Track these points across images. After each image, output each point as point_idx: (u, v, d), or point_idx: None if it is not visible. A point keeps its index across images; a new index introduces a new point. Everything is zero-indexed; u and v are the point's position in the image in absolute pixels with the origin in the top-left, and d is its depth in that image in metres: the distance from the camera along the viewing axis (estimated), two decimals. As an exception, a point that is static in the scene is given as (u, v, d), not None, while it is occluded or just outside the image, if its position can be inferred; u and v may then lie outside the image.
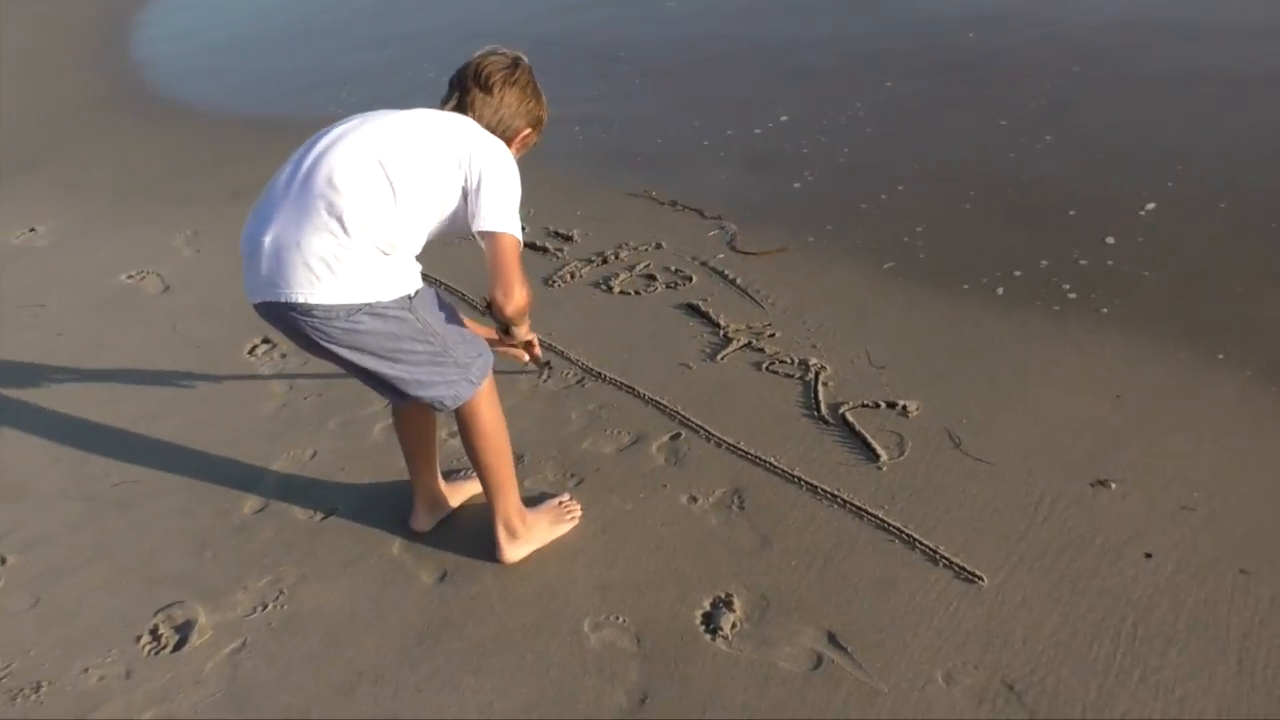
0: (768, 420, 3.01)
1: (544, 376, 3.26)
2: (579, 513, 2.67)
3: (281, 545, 2.72)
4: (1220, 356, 3.09)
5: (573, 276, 4.02)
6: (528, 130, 2.47)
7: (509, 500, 2.51)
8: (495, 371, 2.44)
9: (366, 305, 2.16)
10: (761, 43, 6.90)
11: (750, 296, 3.72)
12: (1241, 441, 2.73)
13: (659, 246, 4.18)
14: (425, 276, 2.32)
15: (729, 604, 2.35)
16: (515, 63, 2.42)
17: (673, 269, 3.97)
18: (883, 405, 3.00)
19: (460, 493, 2.76)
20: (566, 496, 2.72)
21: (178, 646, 2.42)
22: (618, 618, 2.35)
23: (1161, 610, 2.22)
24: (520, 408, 3.14)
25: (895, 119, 5.33)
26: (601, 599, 2.41)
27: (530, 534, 2.56)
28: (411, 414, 2.54)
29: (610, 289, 3.89)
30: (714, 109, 5.79)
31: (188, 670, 2.35)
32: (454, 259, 4.19)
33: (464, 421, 2.40)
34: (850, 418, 2.95)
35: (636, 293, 3.85)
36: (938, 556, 2.42)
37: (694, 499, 2.71)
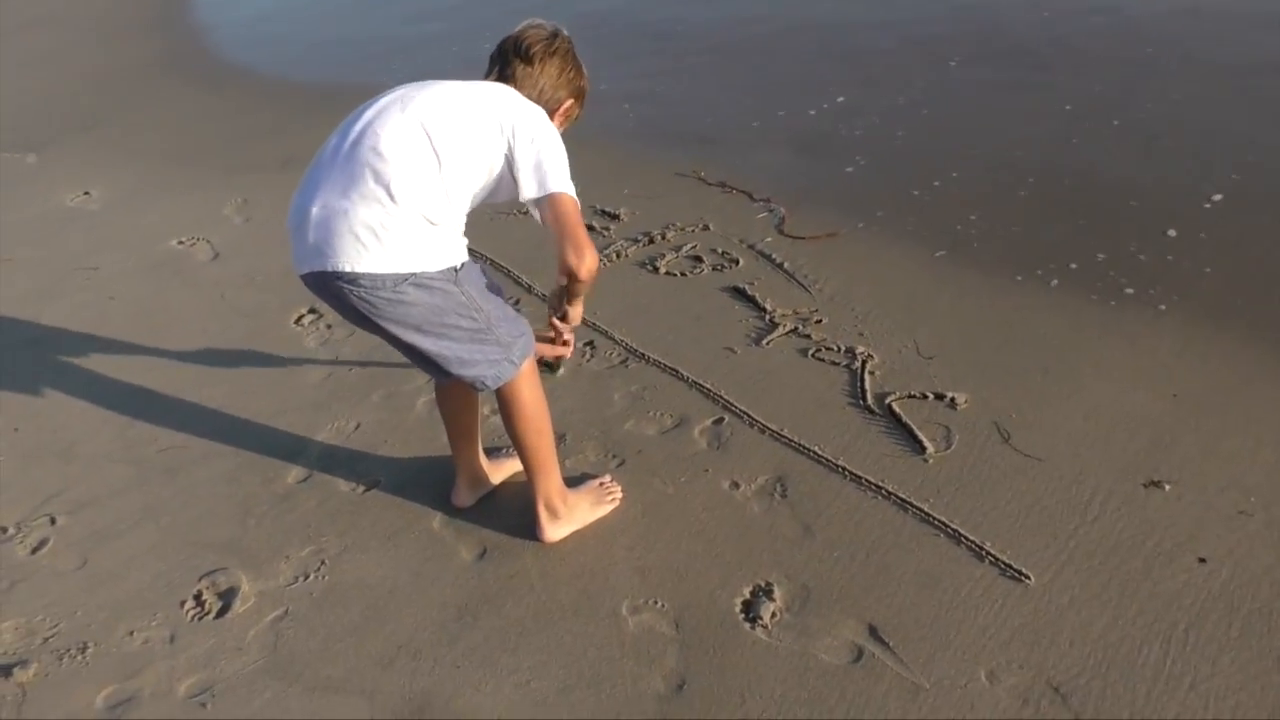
0: (812, 408, 2.97)
1: (561, 371, 2.98)
2: (620, 494, 2.66)
3: (324, 516, 2.75)
4: (1283, 357, 3.00)
5: (618, 255, 3.99)
6: (570, 101, 2.45)
7: (550, 480, 2.50)
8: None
9: (412, 275, 2.15)
10: (816, 23, 6.79)
11: (798, 281, 3.67)
12: (1302, 446, 2.64)
13: (706, 228, 4.14)
14: (471, 251, 2.30)
15: (769, 593, 2.33)
16: (555, 34, 2.41)
17: (720, 251, 3.93)
18: (930, 396, 2.95)
19: (502, 470, 2.76)
20: (608, 478, 2.71)
21: (221, 613, 2.45)
22: (657, 602, 2.34)
23: (1214, 617, 2.16)
24: (563, 387, 3.13)
25: (952, 103, 5.22)
26: (641, 582, 2.41)
27: (571, 514, 2.56)
28: (454, 390, 2.54)
29: (656, 269, 3.86)
30: (767, 89, 5.70)
31: (230, 637, 2.38)
32: (501, 233, 4.19)
33: (505, 402, 2.40)
34: (897, 408, 2.91)
35: (682, 274, 3.81)
36: (984, 553, 2.38)
37: (736, 485, 2.68)
